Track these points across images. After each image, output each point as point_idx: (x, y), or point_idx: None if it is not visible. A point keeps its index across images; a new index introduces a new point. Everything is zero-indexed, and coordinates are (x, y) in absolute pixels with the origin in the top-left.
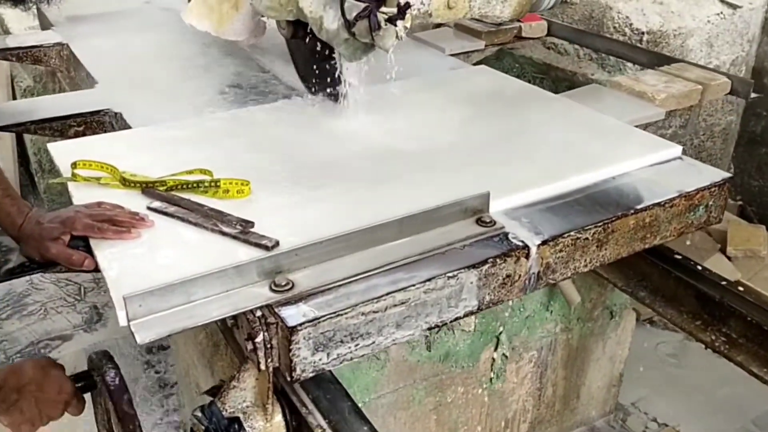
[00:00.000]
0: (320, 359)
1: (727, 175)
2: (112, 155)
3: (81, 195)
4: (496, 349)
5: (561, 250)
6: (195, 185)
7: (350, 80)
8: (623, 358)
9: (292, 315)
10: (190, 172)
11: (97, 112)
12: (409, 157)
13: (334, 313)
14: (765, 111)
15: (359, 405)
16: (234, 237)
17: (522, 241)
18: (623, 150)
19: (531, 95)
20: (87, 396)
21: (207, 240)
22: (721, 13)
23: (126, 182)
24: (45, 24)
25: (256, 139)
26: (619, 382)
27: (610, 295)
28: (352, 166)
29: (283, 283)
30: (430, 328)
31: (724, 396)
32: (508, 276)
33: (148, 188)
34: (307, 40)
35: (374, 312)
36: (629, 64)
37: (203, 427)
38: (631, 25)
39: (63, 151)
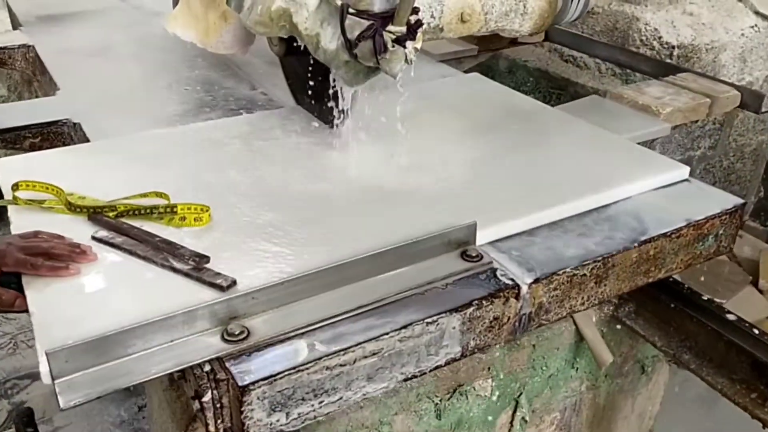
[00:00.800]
0: (278, 420)
1: (740, 201)
2: (63, 173)
3: (21, 220)
4: (514, 412)
5: (555, 288)
6: (148, 211)
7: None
8: (653, 414)
9: (244, 371)
10: (144, 195)
11: (55, 122)
12: (391, 181)
13: (294, 368)
14: None
15: None
16: (186, 274)
17: (512, 279)
18: (626, 171)
19: (526, 108)
20: None
21: (156, 278)
22: (756, 26)
23: (72, 207)
24: (15, 23)
25: (225, 157)
26: None
27: (642, 347)
28: (332, 196)
29: (237, 332)
30: (406, 379)
31: None
32: (495, 318)
33: (95, 214)
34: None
35: (341, 365)
36: (637, 75)
37: None
38: (660, 38)
39: (8, 168)
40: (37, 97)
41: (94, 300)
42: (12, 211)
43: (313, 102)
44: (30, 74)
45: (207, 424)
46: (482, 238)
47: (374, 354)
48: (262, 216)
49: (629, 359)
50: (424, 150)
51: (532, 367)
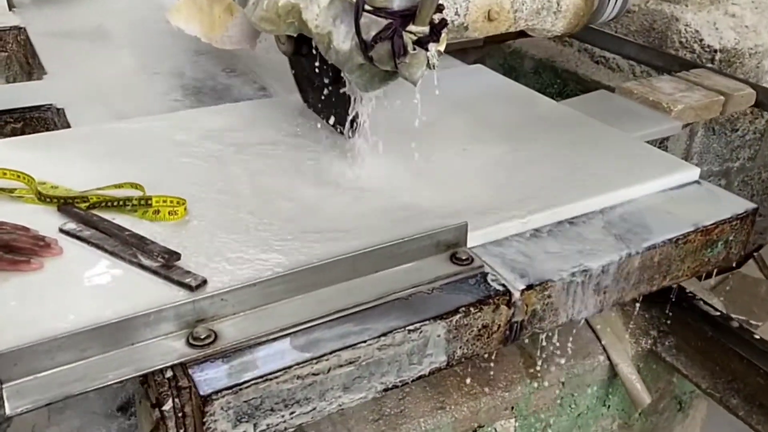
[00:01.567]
0: (245, 431)
1: (752, 206)
2: (38, 160)
3: None
4: None
5: (550, 296)
6: (122, 203)
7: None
8: None
9: (208, 379)
10: (119, 186)
11: (38, 107)
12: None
13: (262, 377)
14: None
15: None
16: (154, 272)
17: (503, 285)
18: (631, 171)
19: (530, 102)
20: None
21: (122, 275)
22: None
23: (42, 197)
24: (11, 4)
25: (210, 147)
26: None
27: (680, 383)
28: (323, 196)
29: (203, 336)
30: (386, 389)
31: None
32: (485, 326)
33: (65, 205)
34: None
35: (314, 375)
36: (647, 70)
37: None
38: (701, 41)
39: None
40: None
41: (53, 297)
42: None
43: (323, 105)
44: (22, 58)
45: None
46: (475, 240)
47: (350, 363)
48: (242, 213)
49: (666, 395)
50: (423, 147)
51: (560, 405)
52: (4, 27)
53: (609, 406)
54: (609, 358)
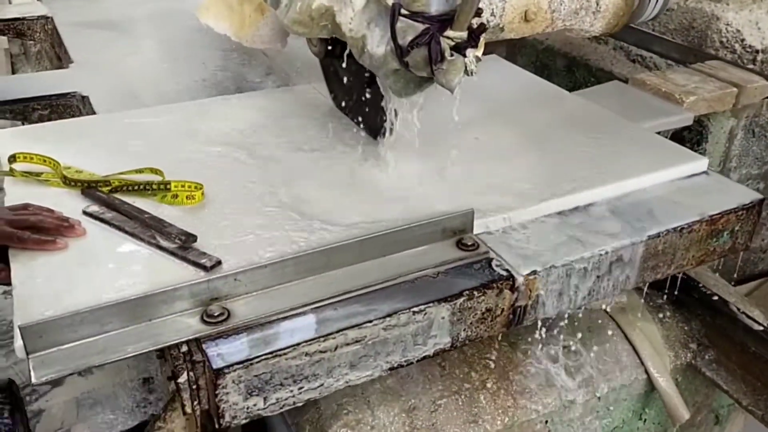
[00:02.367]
0: (255, 404)
1: (758, 196)
2: (63, 146)
3: (16, 192)
4: None
5: (554, 282)
6: (142, 187)
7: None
8: None
9: (221, 353)
10: (140, 171)
11: (64, 95)
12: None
13: (271, 353)
14: None
15: None
16: (171, 252)
17: (507, 270)
18: (640, 161)
19: (542, 92)
20: None
21: (141, 255)
22: None
23: (67, 180)
24: None
25: (230, 135)
26: None
27: (718, 396)
28: (344, 185)
29: (216, 313)
30: (392, 368)
31: None
32: (488, 310)
33: (89, 188)
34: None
35: (321, 352)
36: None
37: None
38: (742, 40)
39: (7, 139)
40: None
41: (77, 275)
42: (7, 183)
43: (352, 106)
44: (49, 46)
45: (183, 405)
46: (481, 226)
47: (357, 342)
48: (258, 199)
49: (703, 408)
50: (435, 133)
51: (595, 419)
52: (32, 16)
53: (645, 420)
54: (647, 371)
